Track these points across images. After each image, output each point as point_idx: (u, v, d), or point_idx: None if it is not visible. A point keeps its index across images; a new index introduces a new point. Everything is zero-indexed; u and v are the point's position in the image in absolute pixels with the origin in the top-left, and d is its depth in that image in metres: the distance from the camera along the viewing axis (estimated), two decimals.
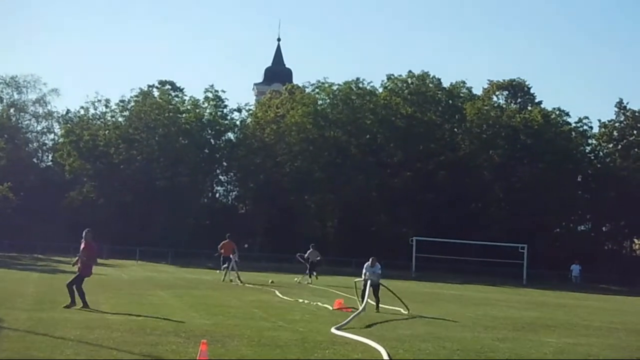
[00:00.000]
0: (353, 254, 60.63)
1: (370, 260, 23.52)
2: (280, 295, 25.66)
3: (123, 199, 65.36)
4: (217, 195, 77.96)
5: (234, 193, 78.55)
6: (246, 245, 65.28)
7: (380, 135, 71.45)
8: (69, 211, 64.93)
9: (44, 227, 58.74)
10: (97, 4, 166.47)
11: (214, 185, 76.97)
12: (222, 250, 35.21)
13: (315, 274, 38.24)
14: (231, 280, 33.12)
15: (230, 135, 75.44)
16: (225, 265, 34.49)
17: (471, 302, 28.10)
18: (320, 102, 73.31)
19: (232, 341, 13.07)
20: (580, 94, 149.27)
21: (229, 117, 74.78)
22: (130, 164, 69.13)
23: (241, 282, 32.69)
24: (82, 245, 19.07)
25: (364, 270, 23.52)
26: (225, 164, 75.26)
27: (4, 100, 78.86)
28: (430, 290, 35.84)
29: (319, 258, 39.36)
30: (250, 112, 78.24)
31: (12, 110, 79.18)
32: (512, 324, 20.00)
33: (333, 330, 15.19)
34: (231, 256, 34.12)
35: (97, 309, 17.89)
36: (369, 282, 22.94)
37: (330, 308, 21.72)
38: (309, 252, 39.00)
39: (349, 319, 17.51)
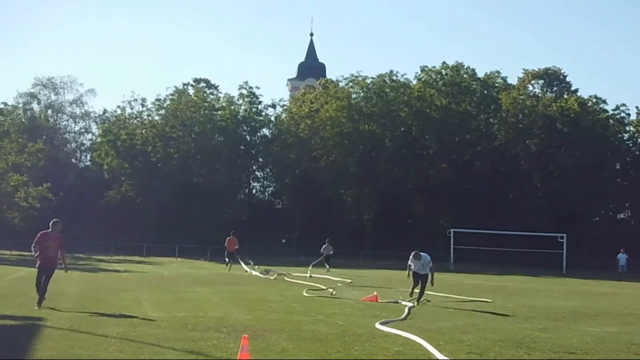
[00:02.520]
0: (391, 246, 60.73)
1: (413, 254, 21.80)
2: (320, 288, 25.70)
3: (161, 197, 65.87)
4: (254, 191, 78.42)
5: (270, 188, 78.97)
6: (284, 240, 65.56)
7: (415, 127, 71.33)
8: (108, 210, 65.61)
9: (84, 226, 59.37)
10: (132, 5, 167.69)
11: (251, 181, 77.41)
12: (227, 245, 38.95)
13: (328, 266, 40.82)
14: (246, 271, 36.14)
15: (266, 131, 75.90)
16: (228, 260, 38.35)
17: (511, 293, 27.93)
18: (354, 95, 73.37)
19: (273, 336, 13.12)
20: (618, 81, 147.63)
21: (263, 113, 75.23)
22: (167, 162, 69.68)
23: (246, 271, 36.16)
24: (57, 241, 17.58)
25: (409, 265, 21.91)
26: (261, 159, 75.66)
27: (42, 102, 80.00)
28: (469, 282, 35.68)
29: (332, 252, 42.39)
30: (285, 107, 78.58)
31: (49, 111, 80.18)
32: (553, 313, 19.85)
33: (377, 325, 15.17)
34: (235, 250, 38.50)
35: (139, 306, 18.05)
36: (414, 270, 21.59)
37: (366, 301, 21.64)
38: (324, 246, 42.14)
39: (404, 315, 17.42)
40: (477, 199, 65.13)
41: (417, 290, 21.46)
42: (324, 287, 25.76)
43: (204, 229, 61.90)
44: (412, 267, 21.65)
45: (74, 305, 17.57)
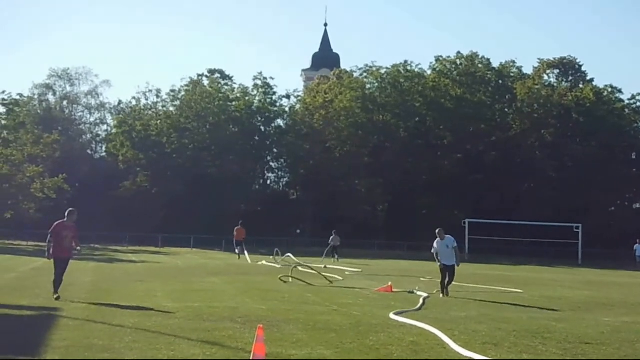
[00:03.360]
0: (404, 237, 60.75)
1: (437, 232, 21.01)
2: (334, 278, 25.74)
3: (176, 188, 65.98)
4: (269, 181, 78.50)
5: (284, 179, 79.00)
6: (298, 231, 65.61)
7: (429, 118, 71.23)
8: (123, 201, 65.82)
9: (99, 217, 59.61)
10: None
11: (265, 172, 77.48)
12: (235, 235, 41.38)
13: (337, 256, 41.42)
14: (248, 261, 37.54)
15: (280, 121, 75.97)
16: (238, 249, 40.68)
17: (525, 283, 27.89)
18: (368, 86, 73.32)
19: (288, 326, 13.16)
20: (633, 70, 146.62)
21: (278, 104, 75.26)
22: (182, 153, 69.83)
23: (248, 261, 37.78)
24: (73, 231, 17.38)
25: (434, 249, 21.10)
26: (275, 150, 75.73)
27: (57, 93, 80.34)
28: (484, 272, 35.65)
29: (339, 243, 43.13)
30: (299, 98, 78.63)
31: (65, 102, 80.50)
32: (568, 303, 19.83)
33: (392, 315, 15.18)
34: (242, 240, 40.72)
35: (154, 297, 18.13)
36: (441, 262, 20.81)
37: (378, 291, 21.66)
38: (332, 237, 42.86)
39: (418, 306, 17.44)
40: (491, 189, 64.96)
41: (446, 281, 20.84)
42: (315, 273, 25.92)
43: (219, 220, 61.96)
44: (437, 250, 20.91)
45: (89, 295, 17.67)
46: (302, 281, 23.60)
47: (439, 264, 21.04)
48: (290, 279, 23.93)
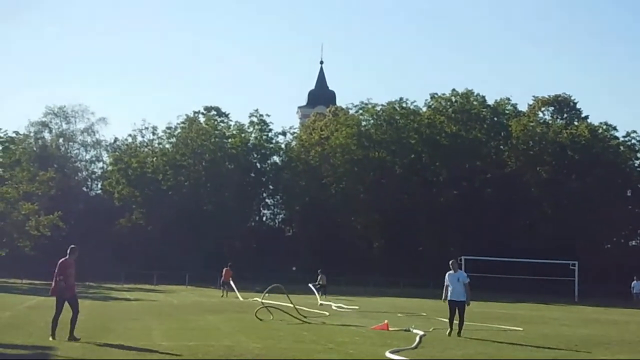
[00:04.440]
0: (400, 274, 60.57)
1: (451, 264, 20.24)
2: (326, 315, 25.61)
3: (171, 225, 65.83)
4: (264, 218, 78.41)
5: (280, 216, 78.92)
6: (294, 268, 65.32)
7: (424, 155, 71.34)
8: (119, 238, 65.64)
9: (95, 254, 59.29)
10: (142, 33, 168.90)
11: (261, 208, 77.41)
12: (223, 275, 43.09)
13: (325, 295, 41.78)
14: (236, 297, 38.72)
15: (276, 158, 76.02)
16: (225, 288, 42.18)
17: (522, 321, 27.78)
18: (364, 123, 73.53)
19: None
20: (628, 107, 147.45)
21: (274, 141, 75.39)
22: (178, 190, 69.83)
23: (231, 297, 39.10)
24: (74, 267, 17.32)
25: (446, 282, 20.17)
26: (271, 187, 75.74)
27: (53, 130, 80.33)
28: (480, 310, 35.50)
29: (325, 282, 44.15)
30: (295, 135, 78.76)
31: (61, 140, 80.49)
32: (565, 342, 19.74)
33: (388, 354, 15.08)
34: (230, 280, 41.95)
35: (149, 335, 18.02)
36: (450, 297, 19.87)
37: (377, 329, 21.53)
38: (319, 277, 43.93)
39: (415, 344, 17.32)
40: (487, 226, 64.88)
41: (456, 322, 19.99)
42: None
43: (215, 257, 61.72)
44: (449, 284, 19.94)
45: (84, 334, 17.54)
46: (293, 316, 23.48)
47: (443, 298, 20.28)
48: (271, 316, 23.82)
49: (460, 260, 55.80)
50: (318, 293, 40.70)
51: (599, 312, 38.10)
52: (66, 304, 16.84)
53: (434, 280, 57.96)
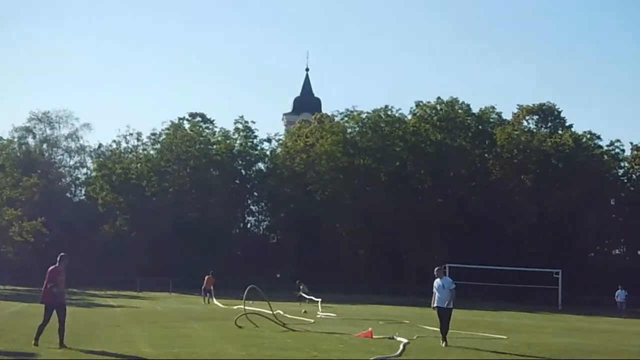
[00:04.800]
0: (385, 281, 60.63)
1: (436, 270, 19.96)
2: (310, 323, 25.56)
3: (155, 231, 65.66)
4: (249, 225, 78.31)
5: (265, 223, 78.86)
6: (278, 275, 65.27)
7: (410, 162, 71.45)
8: (103, 244, 65.38)
9: (78, 260, 58.94)
10: (126, 39, 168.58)
11: (245, 215, 77.30)
12: (205, 282, 43.32)
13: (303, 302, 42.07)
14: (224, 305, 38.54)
15: (261, 165, 76.03)
16: (206, 296, 42.74)
17: (506, 329, 27.81)
18: (349, 130, 73.58)
19: None
20: (611, 116, 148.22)
21: (259, 148, 75.40)
22: (162, 197, 69.70)
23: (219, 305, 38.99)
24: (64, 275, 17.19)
25: (434, 290, 19.74)
26: (256, 194, 75.71)
27: (37, 136, 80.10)
28: (464, 317, 35.53)
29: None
30: (280, 141, 78.80)
31: (45, 145, 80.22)
32: (548, 350, 19.77)
33: None
34: (211, 288, 42.75)
35: (132, 342, 17.93)
36: (437, 304, 19.56)
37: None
38: (301, 287, 44.48)
39: (398, 352, 17.29)
40: (472, 234, 64.95)
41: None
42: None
43: (199, 264, 61.54)
44: (436, 290, 19.57)
45: (67, 341, 17.42)
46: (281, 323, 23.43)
47: (432, 306, 19.85)
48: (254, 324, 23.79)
49: (445, 267, 55.86)
50: (305, 300, 41.34)
51: (582, 321, 38.23)
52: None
53: (418, 287, 58.28)
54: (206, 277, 43.62)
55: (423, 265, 62.31)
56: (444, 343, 19.53)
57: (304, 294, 43.03)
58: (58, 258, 17.17)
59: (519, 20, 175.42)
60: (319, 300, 38.01)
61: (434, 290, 19.79)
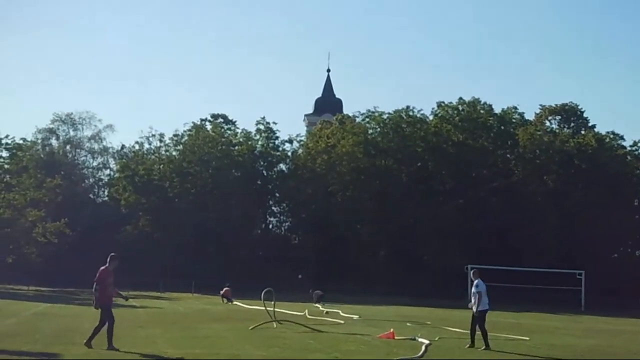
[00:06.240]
0: (406, 283, 60.44)
1: (473, 274, 20.04)
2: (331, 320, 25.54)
3: (178, 232, 65.82)
4: (270, 226, 78.31)
5: (286, 224, 78.82)
6: (300, 276, 65.24)
7: (431, 163, 71.25)
8: (125, 245, 65.58)
9: (101, 262, 59.30)
10: (150, 41, 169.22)
11: (267, 216, 77.35)
12: (222, 293, 45.47)
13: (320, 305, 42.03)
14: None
15: (282, 166, 76.04)
16: (225, 300, 44.55)
17: (528, 330, 27.71)
18: (370, 131, 73.48)
19: None
20: (635, 116, 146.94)
21: (280, 149, 75.42)
22: (184, 198, 69.88)
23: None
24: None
25: (479, 289, 19.76)
26: (277, 194, 75.69)
27: (60, 137, 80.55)
28: (488, 319, 35.37)
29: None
30: (301, 142, 78.71)
31: (68, 147, 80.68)
32: (571, 352, 19.68)
33: None
34: (230, 296, 44.79)
35: (154, 343, 18.01)
36: (483, 306, 19.57)
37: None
38: (319, 294, 45.06)
39: (420, 353, 17.25)
40: (493, 235, 64.70)
41: (478, 332, 19.66)
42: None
43: (221, 265, 61.77)
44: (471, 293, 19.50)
45: (88, 341, 17.54)
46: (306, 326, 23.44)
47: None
48: (275, 325, 23.81)
49: (467, 268, 55.72)
50: (322, 304, 41.59)
51: (605, 322, 38.00)
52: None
53: (438, 288, 58.15)
54: (224, 289, 45.66)
55: (443, 266, 62.36)
56: (467, 344, 19.49)
57: (317, 304, 42.62)
58: (108, 259, 17.09)
59: (542, 20, 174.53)
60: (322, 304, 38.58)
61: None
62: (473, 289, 19.84)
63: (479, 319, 19.62)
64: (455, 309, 39.81)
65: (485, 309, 19.73)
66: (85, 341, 16.41)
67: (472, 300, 19.82)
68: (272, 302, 25.45)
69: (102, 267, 16.83)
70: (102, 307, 16.75)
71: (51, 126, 79.50)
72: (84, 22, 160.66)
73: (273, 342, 18.90)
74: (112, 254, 17.22)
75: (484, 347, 19.20)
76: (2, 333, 19.60)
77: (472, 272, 20.09)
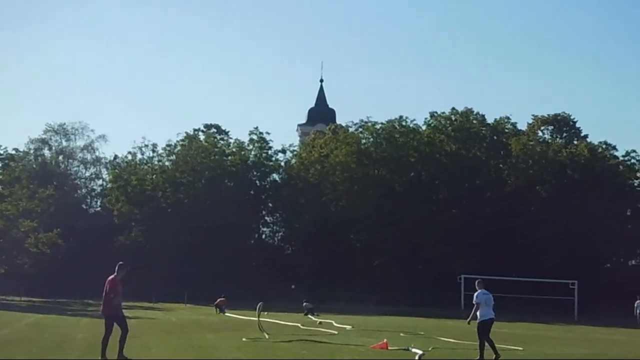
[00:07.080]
0: (400, 293, 60.41)
1: (477, 284, 19.40)
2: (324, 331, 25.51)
3: (171, 243, 65.70)
4: (264, 236, 78.24)
5: (280, 234, 78.77)
6: (293, 286, 65.17)
7: (424, 173, 71.34)
8: (118, 256, 65.30)
9: (93, 272, 59.17)
10: (142, 51, 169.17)
11: (260, 226, 77.30)
12: (217, 303, 46.18)
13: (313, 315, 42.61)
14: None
15: (275, 176, 76.07)
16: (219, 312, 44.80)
17: (522, 340, 27.70)
18: (363, 141, 73.52)
19: None
20: (627, 126, 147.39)
21: (273, 159, 75.45)
22: (177, 208, 69.80)
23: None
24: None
25: (475, 300, 19.21)
26: (270, 204, 75.69)
27: (53, 148, 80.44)
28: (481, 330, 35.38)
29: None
30: (295, 152, 78.75)
31: (61, 157, 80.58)
32: None
33: None
34: (223, 307, 45.54)
35: (147, 353, 17.96)
36: (481, 317, 18.97)
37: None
38: (310, 307, 45.25)
39: None
40: (487, 245, 64.74)
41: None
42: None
43: (214, 275, 61.66)
44: (480, 304, 19.07)
45: (82, 352, 17.55)
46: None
47: (474, 314, 19.26)
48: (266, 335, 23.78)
49: (460, 278, 55.75)
50: (313, 315, 41.71)
51: (599, 332, 38.04)
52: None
53: (433, 297, 58.13)
54: (219, 299, 46.49)
55: (438, 276, 62.38)
56: (479, 357, 18.96)
57: (310, 315, 42.78)
58: (116, 267, 16.73)
59: (534, 31, 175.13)
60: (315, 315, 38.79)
61: (477, 301, 19.38)
62: (474, 300, 19.38)
63: (477, 330, 19.29)
64: (449, 319, 39.80)
65: (483, 320, 19.30)
66: (117, 356, 16.10)
67: (489, 311, 19.28)
68: (265, 314, 25.41)
69: (111, 277, 16.53)
70: (106, 317, 16.53)
71: (44, 136, 79.45)
72: (78, 32, 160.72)
73: (266, 353, 18.89)
74: (121, 262, 16.97)
75: (494, 356, 18.76)
76: None
77: (476, 282, 19.60)
